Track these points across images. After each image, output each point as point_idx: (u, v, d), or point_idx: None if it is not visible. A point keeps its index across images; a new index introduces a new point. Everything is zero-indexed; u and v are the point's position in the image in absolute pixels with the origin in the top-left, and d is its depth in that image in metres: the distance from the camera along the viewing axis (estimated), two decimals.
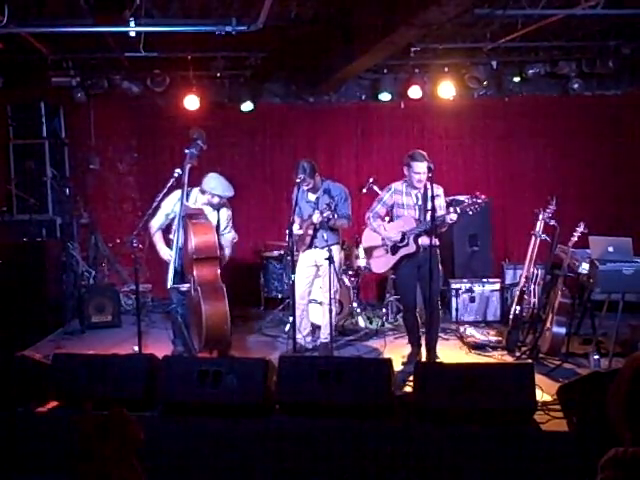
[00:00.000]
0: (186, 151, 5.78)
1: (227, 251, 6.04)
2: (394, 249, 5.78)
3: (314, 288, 6.41)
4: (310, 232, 6.08)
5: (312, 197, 6.15)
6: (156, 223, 5.90)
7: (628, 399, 1.70)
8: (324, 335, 6.17)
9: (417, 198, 5.70)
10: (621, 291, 5.66)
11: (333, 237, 6.09)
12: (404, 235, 5.66)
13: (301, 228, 6.14)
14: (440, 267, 5.88)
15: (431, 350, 5.70)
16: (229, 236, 6.09)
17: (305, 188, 6.02)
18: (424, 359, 5.70)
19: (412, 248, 5.63)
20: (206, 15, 6.11)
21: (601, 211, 8.18)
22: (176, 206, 5.76)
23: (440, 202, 5.68)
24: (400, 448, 4.01)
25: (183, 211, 5.65)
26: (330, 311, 5.80)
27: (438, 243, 5.69)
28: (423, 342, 5.82)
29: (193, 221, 5.61)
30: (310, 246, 6.14)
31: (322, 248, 5.94)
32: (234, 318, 6.61)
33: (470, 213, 5.53)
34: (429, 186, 5.53)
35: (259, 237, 8.26)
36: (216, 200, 5.87)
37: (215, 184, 5.85)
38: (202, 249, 5.55)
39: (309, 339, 6.35)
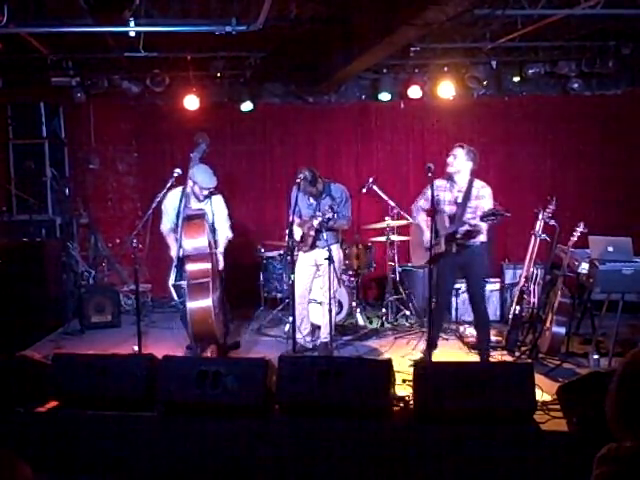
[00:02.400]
0: (191, 155, 5.93)
1: (220, 248, 5.97)
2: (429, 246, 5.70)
3: (314, 288, 6.41)
4: (312, 234, 6.08)
5: (312, 199, 6.16)
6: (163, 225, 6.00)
7: (617, 397, 1.71)
8: (324, 335, 6.17)
9: (457, 195, 5.55)
10: (621, 291, 5.66)
11: (332, 237, 6.09)
12: (437, 234, 5.49)
13: (301, 228, 6.14)
14: (486, 263, 5.74)
15: (481, 351, 5.74)
16: (226, 227, 6.04)
17: (312, 201, 6.06)
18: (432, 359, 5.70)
19: (441, 248, 5.46)
20: (206, 15, 6.11)
21: (601, 211, 8.18)
22: (172, 204, 5.86)
23: (484, 204, 5.43)
24: (400, 448, 4.01)
25: (184, 212, 5.72)
26: (330, 311, 5.81)
27: (483, 240, 5.51)
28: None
29: (188, 222, 5.73)
30: (312, 247, 6.16)
31: (322, 248, 5.95)
32: (234, 318, 6.62)
33: (490, 222, 5.28)
34: (474, 184, 5.50)
35: (259, 237, 8.26)
36: (205, 192, 5.89)
37: (202, 177, 5.85)
38: (191, 251, 5.66)
39: (309, 339, 6.36)
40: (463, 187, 5.54)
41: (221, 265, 5.97)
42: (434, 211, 5.38)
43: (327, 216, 5.75)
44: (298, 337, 6.09)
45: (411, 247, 6.27)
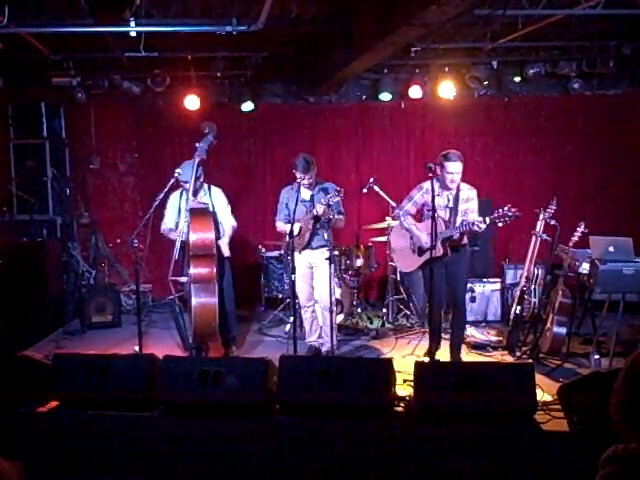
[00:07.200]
0: (197, 145, 5.80)
1: (226, 239, 5.93)
2: (421, 250, 5.63)
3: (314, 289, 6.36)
4: (310, 227, 5.92)
5: (306, 195, 6.00)
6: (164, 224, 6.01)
7: (623, 398, 1.71)
8: (327, 345, 5.96)
9: (448, 200, 5.55)
10: (622, 291, 5.65)
11: (331, 237, 6.04)
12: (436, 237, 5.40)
13: (299, 223, 6.00)
14: (467, 266, 5.80)
15: (454, 350, 5.69)
16: (229, 216, 6.02)
17: (305, 182, 5.88)
18: (447, 357, 5.70)
19: (439, 252, 5.39)
20: (206, 15, 6.11)
21: (601, 211, 8.18)
22: (173, 204, 5.88)
23: (472, 206, 5.58)
24: (400, 448, 4.01)
25: (188, 205, 5.71)
26: (331, 312, 5.76)
27: (465, 242, 5.61)
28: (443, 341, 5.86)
29: (194, 217, 5.67)
30: (308, 244, 5.98)
31: (320, 247, 5.92)
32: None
33: (500, 224, 5.34)
34: (462, 187, 5.54)
35: (259, 237, 8.26)
36: (186, 186, 5.82)
37: (180, 170, 5.79)
38: (199, 246, 5.62)
39: (321, 340, 6.18)
40: (453, 191, 5.56)
41: (227, 252, 5.92)
42: (434, 212, 5.35)
43: (335, 199, 5.63)
44: (311, 340, 6.10)
45: (395, 254, 6.15)
